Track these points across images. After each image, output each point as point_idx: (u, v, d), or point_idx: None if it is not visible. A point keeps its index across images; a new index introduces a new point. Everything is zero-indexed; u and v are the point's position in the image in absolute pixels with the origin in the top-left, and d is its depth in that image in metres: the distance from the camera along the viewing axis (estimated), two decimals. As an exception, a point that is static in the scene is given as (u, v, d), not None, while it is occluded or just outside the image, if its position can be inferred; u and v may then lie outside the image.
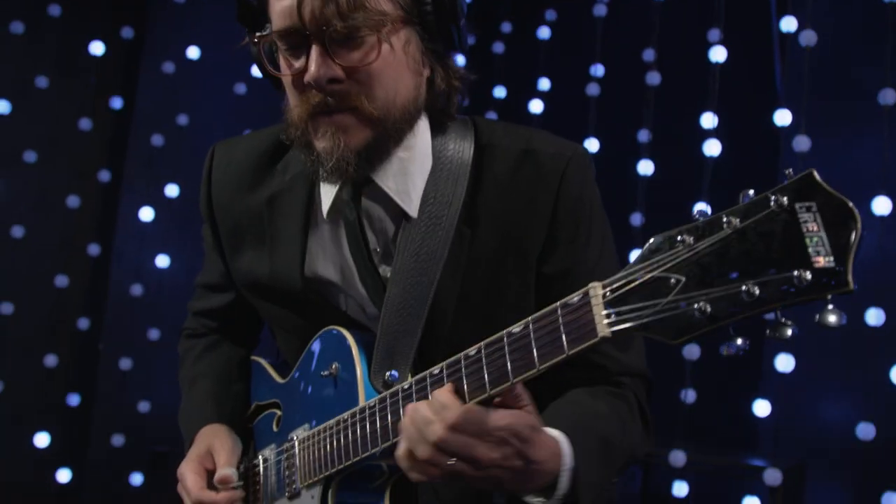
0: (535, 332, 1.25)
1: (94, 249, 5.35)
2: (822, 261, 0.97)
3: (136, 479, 5.34)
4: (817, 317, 1.00)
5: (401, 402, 1.47)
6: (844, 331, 4.16)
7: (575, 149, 1.70)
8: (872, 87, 4.03)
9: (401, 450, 1.36)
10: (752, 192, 1.04)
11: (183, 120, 5.27)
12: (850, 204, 0.97)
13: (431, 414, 1.30)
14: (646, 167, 4.69)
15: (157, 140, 5.31)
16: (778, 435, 4.08)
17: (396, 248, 1.66)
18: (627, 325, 1.12)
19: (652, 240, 1.12)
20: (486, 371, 1.31)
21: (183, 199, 5.37)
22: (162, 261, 5.37)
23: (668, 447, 4.15)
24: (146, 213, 5.33)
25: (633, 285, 1.12)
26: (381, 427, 1.50)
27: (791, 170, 1.02)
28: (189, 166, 5.24)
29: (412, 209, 1.65)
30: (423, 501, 1.77)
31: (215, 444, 1.85)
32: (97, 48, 5.31)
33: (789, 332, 1.03)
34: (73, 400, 5.30)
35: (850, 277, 0.95)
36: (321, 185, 1.74)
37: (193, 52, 5.38)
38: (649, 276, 1.10)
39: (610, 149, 5.09)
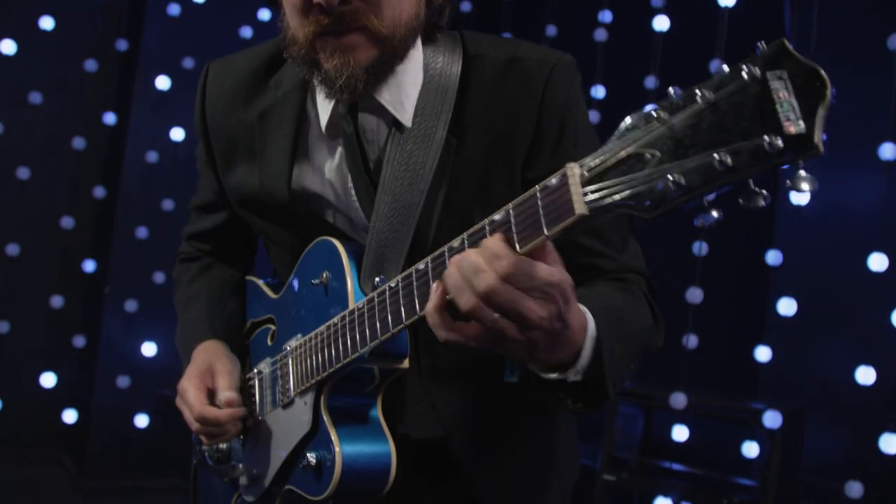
0: (515, 217, 1.23)
1: (99, 192, 5.37)
2: (792, 127, 0.95)
3: (142, 420, 5.40)
4: (788, 182, 0.99)
5: (388, 299, 1.46)
6: (847, 275, 4.18)
7: (560, 56, 1.69)
8: (881, 33, 3.99)
9: (435, 302, 1.30)
10: (725, 66, 1.02)
11: (188, 63, 5.28)
12: (822, 71, 0.96)
13: (483, 262, 1.22)
14: (652, 113, 4.65)
15: (162, 83, 5.32)
16: (778, 380, 4.09)
17: (386, 157, 1.67)
18: (604, 201, 1.11)
19: (627, 119, 1.11)
20: None
21: (188, 142, 5.39)
22: (168, 204, 5.38)
23: (670, 390, 4.17)
24: (152, 156, 5.34)
25: (609, 163, 1.11)
26: (369, 327, 1.50)
27: (763, 42, 1.01)
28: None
29: (406, 119, 1.66)
30: (417, 407, 1.78)
31: (216, 365, 1.86)
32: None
33: (762, 201, 1.02)
34: (79, 342, 5.33)
35: (818, 140, 0.94)
36: (317, 101, 1.75)
37: (200, -6, 5.38)
38: (624, 153, 1.09)
39: (617, 95, 5.06)
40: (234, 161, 1.86)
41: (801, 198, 3.98)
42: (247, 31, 5.36)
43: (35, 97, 5.13)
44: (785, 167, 0.97)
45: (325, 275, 1.69)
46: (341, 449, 1.63)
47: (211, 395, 1.82)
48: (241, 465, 1.90)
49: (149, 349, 5.40)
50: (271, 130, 1.78)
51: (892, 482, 3.95)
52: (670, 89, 1.07)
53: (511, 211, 1.24)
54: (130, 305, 5.32)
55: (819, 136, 0.94)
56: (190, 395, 1.79)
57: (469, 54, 1.71)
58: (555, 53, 1.70)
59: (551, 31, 5.32)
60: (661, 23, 4.63)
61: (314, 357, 1.67)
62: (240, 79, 1.85)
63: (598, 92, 5.02)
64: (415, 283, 1.40)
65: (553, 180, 1.18)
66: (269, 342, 1.90)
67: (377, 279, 1.62)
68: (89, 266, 5.39)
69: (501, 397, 1.78)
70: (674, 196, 1.05)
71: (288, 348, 1.78)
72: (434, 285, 1.32)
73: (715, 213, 1.06)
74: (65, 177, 5.53)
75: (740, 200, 1.02)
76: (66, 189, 5.52)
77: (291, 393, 1.75)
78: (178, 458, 5.42)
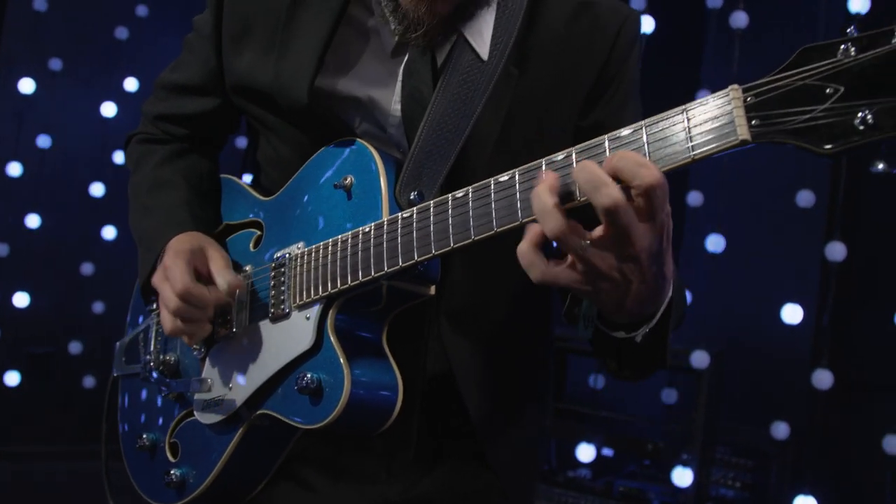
0: (649, 136, 1.14)
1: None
2: None
3: (12, 378, 4.96)
4: None
5: (450, 211, 1.32)
6: (776, 212, 4.13)
7: (631, 9, 1.70)
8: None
9: (532, 238, 1.19)
10: None
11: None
12: None
13: (605, 175, 1.12)
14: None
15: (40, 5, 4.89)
16: (703, 321, 4.00)
17: (446, 72, 1.58)
18: (773, 129, 1.05)
19: (800, 50, 1.06)
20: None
21: (66, 72, 5.01)
22: (44, 140, 4.97)
23: (589, 333, 4.03)
24: (27, 84, 4.91)
25: (779, 92, 1.05)
26: (419, 239, 1.37)
27: None
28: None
29: (484, 51, 1.58)
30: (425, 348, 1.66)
31: (209, 248, 1.66)
32: None
33: None
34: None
35: None
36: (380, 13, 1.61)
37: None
38: (800, 83, 1.04)
39: None
40: (246, 44, 1.70)
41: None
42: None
43: None
44: None
45: (348, 179, 1.54)
46: (350, 372, 1.44)
47: (198, 278, 1.63)
48: (209, 380, 1.68)
49: (20, 300, 4.98)
50: (301, 23, 1.64)
51: (823, 420, 3.90)
52: (848, 30, 1.05)
53: (644, 129, 1.15)
54: (0, 250, 4.88)
55: None
56: (176, 269, 1.60)
57: None
58: (626, 6, 1.70)
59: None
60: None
61: (329, 268, 1.51)
62: None
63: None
64: (493, 195, 1.28)
65: (709, 101, 1.11)
66: (252, 248, 1.70)
67: (413, 194, 1.51)
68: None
69: (512, 347, 1.74)
70: (858, 134, 1.01)
71: (287, 255, 1.59)
72: (530, 228, 1.20)
73: (881, 166, 1.00)
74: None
75: None
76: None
77: (288, 305, 1.56)
78: (52, 421, 5.05)
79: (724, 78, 4.05)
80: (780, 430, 3.85)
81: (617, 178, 1.10)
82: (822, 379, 3.63)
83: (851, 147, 1.01)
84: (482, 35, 1.58)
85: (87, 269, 5.09)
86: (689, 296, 4.13)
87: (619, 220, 1.10)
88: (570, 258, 1.18)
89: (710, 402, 3.97)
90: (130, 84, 5.11)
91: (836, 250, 3.72)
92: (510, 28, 1.59)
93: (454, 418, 1.68)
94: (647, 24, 4.28)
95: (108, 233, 5.08)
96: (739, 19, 4.02)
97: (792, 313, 3.87)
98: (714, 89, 3.41)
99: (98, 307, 5.11)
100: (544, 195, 1.14)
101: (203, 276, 1.62)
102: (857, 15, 3.63)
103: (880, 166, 0.90)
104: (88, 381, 5.09)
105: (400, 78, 1.61)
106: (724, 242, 4.01)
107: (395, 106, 1.62)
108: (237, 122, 1.91)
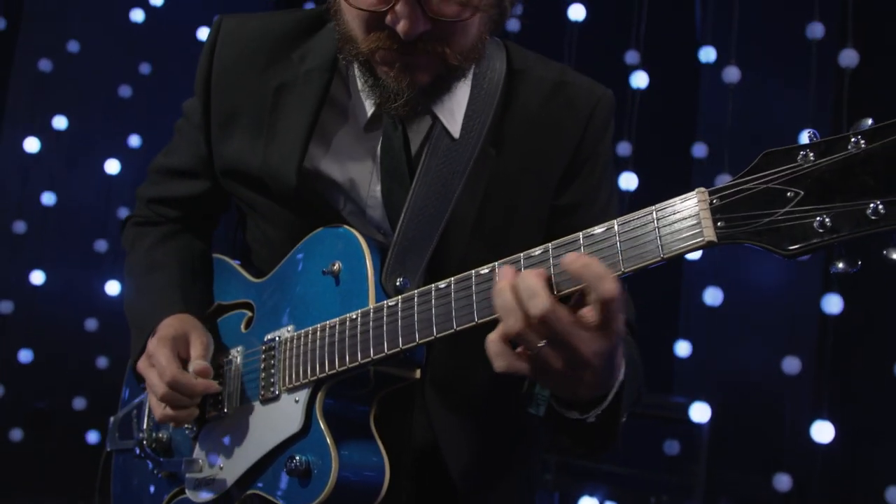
0: (621, 235, 1.18)
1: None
2: None
3: (16, 434, 4.95)
4: None
5: (433, 301, 1.37)
6: (772, 264, 4.14)
7: (605, 90, 1.74)
8: (800, 22, 3.99)
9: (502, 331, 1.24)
10: (870, 121, 1.04)
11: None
12: None
13: (541, 284, 1.17)
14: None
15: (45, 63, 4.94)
16: (699, 375, 4.01)
17: (424, 158, 1.63)
18: (736, 231, 1.10)
19: (762, 154, 1.11)
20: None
21: (72, 131, 5.02)
22: (48, 197, 5.01)
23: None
24: (32, 143, 4.95)
25: (743, 195, 1.10)
26: (403, 328, 1.42)
27: None
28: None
29: (455, 129, 1.64)
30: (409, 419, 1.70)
31: (192, 334, 1.71)
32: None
33: None
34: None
35: None
36: (358, 91, 1.67)
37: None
38: (763, 187, 1.09)
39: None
40: (234, 131, 1.75)
41: None
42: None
43: None
44: None
45: (336, 265, 1.59)
46: (338, 455, 1.49)
47: (183, 363, 1.67)
48: (200, 461, 1.72)
49: (25, 356, 4.98)
50: (287, 107, 1.70)
51: (825, 472, 3.89)
52: (808, 133, 1.09)
53: (616, 227, 1.19)
54: (5, 307, 4.91)
55: None
56: (161, 357, 1.65)
57: (514, 67, 1.71)
58: (601, 86, 1.74)
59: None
60: (577, 12, 4.52)
61: (318, 353, 1.55)
62: (259, 43, 1.75)
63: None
64: (474, 287, 1.33)
65: (676, 202, 1.16)
66: (244, 329, 1.76)
67: (399, 280, 1.55)
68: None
69: (496, 418, 1.77)
70: (817, 237, 1.05)
71: (277, 338, 1.64)
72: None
73: (841, 265, 1.07)
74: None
75: (884, 252, 1.05)
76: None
77: (278, 387, 1.61)
78: (55, 477, 5.03)
79: (718, 132, 4.10)
80: (783, 481, 3.84)
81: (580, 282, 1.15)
82: (823, 430, 3.64)
83: (811, 249, 1.06)
84: (453, 114, 1.63)
85: (91, 324, 5.11)
86: (689, 347, 4.20)
87: (551, 327, 1.15)
88: (525, 352, 1.22)
89: (712, 454, 3.98)
90: (134, 141, 5.17)
91: (833, 302, 3.74)
92: (486, 108, 1.64)
93: (442, 494, 1.70)
94: (642, 80, 4.33)
95: (112, 288, 5.10)
96: (732, 74, 4.08)
97: (791, 364, 3.88)
98: (709, 143, 3.47)
99: (102, 362, 5.11)
100: (506, 293, 1.18)
101: (185, 361, 1.66)
102: (847, 69, 3.69)
103: (840, 265, 0.93)
104: (92, 437, 5.09)
105: (378, 157, 1.65)
106: (721, 295, 4.03)
107: (373, 187, 1.67)
108: (228, 202, 1.95)
